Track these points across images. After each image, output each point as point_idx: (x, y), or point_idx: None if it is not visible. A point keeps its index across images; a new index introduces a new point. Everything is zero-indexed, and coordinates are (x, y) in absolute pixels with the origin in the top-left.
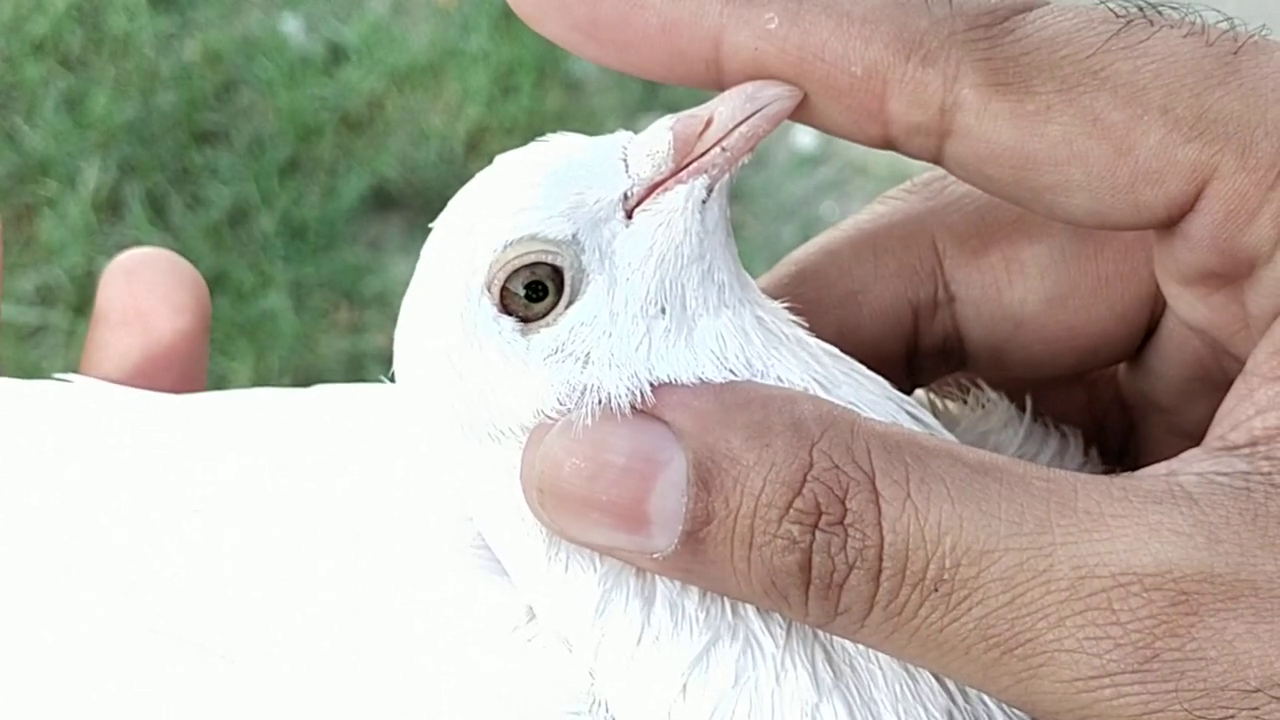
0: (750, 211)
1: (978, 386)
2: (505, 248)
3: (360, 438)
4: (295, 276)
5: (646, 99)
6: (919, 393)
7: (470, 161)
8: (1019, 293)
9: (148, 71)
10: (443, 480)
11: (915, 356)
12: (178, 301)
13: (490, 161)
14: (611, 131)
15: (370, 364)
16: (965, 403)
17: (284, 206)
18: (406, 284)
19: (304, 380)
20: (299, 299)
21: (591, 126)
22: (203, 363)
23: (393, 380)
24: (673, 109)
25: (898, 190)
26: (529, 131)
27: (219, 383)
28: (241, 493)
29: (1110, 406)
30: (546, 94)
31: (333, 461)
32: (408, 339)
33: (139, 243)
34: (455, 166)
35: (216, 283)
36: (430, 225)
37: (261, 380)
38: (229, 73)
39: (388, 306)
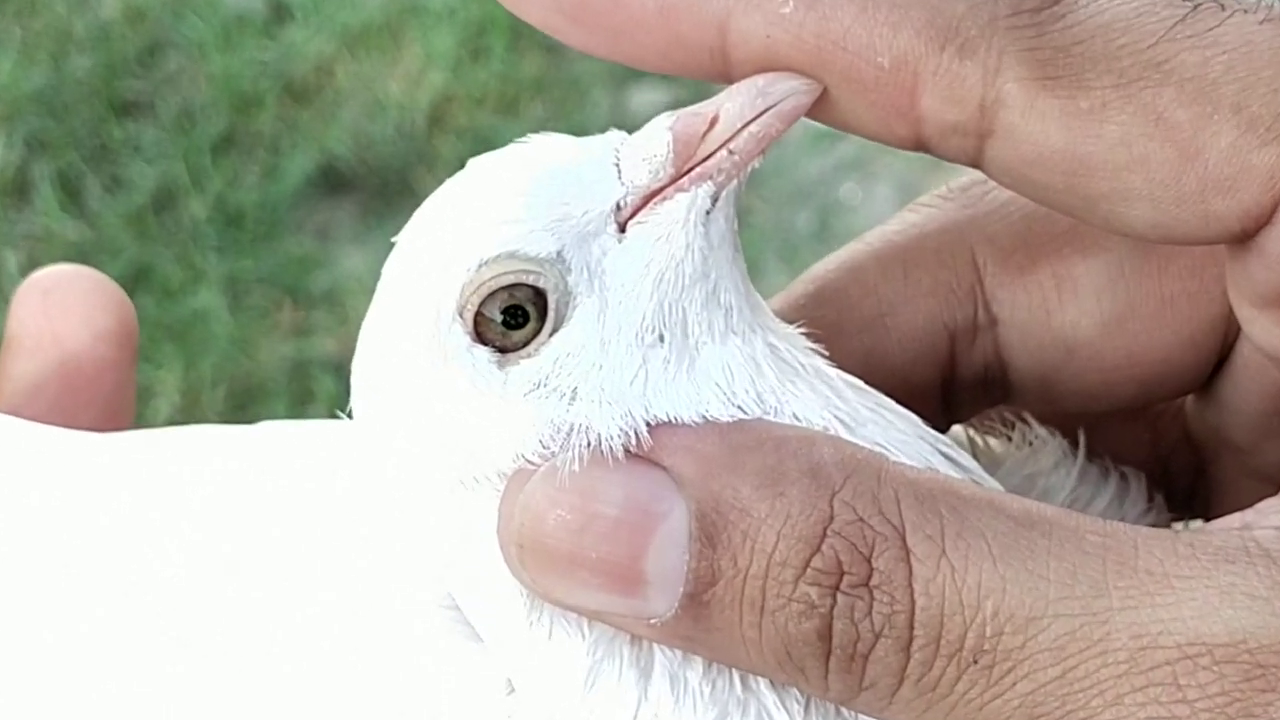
0: (759, 195)
1: (1024, 421)
2: (480, 266)
3: (315, 485)
4: (230, 270)
5: None
6: (956, 430)
7: (434, 137)
8: (1071, 315)
9: (59, 32)
10: (408, 534)
11: (952, 388)
12: (100, 326)
13: (458, 137)
14: (597, 102)
15: (318, 373)
16: (1010, 440)
17: (217, 189)
18: (359, 278)
19: (240, 391)
20: (235, 297)
21: (574, 96)
22: (129, 395)
23: (349, 416)
24: (669, 80)
25: (931, 197)
26: (501, 102)
27: (141, 394)
28: (182, 556)
29: (1176, 445)
30: (522, 58)
31: (285, 515)
32: (367, 372)
33: (48, 231)
34: (417, 142)
35: (139, 278)
36: (388, 210)
37: (191, 391)
38: (154, 33)
39: (338, 306)
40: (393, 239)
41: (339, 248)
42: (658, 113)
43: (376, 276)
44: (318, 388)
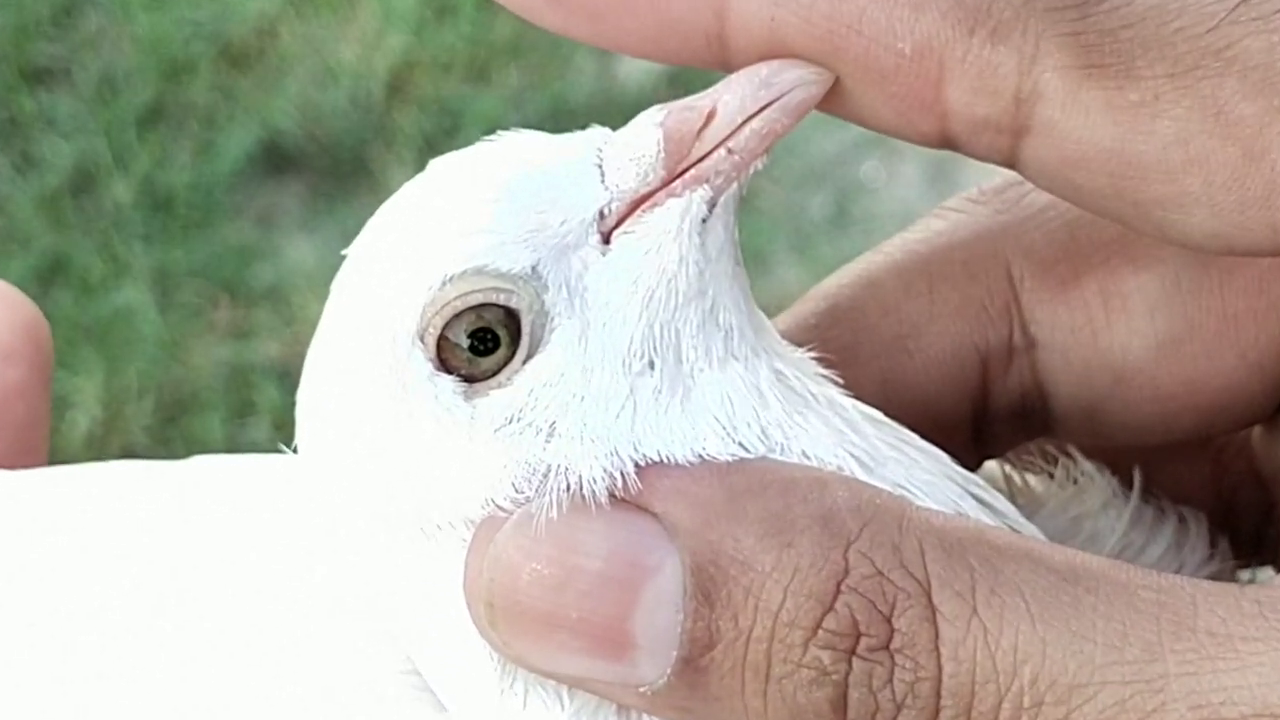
0: (767, 175)
1: (1068, 456)
2: (444, 284)
3: (255, 531)
4: (159, 263)
5: None
6: (990, 466)
7: (393, 109)
8: (1121, 336)
9: None
10: (361, 589)
11: (984, 420)
12: (10, 348)
13: (420, 110)
14: (580, 69)
15: (260, 380)
16: (1051, 477)
17: (144, 169)
18: (307, 272)
19: (170, 402)
20: (164, 293)
21: (554, 63)
22: (43, 425)
23: (293, 450)
24: None
25: (960, 200)
26: (471, 69)
27: (57, 405)
28: (107, 611)
29: (1242, 481)
30: (493, 18)
31: (223, 566)
32: (314, 402)
33: None
34: (373, 115)
35: (54, 271)
36: (339, 194)
37: (113, 402)
38: None
39: (282, 303)
40: (346, 229)
41: (284, 236)
42: (651, 82)
43: (326, 270)
44: (259, 398)
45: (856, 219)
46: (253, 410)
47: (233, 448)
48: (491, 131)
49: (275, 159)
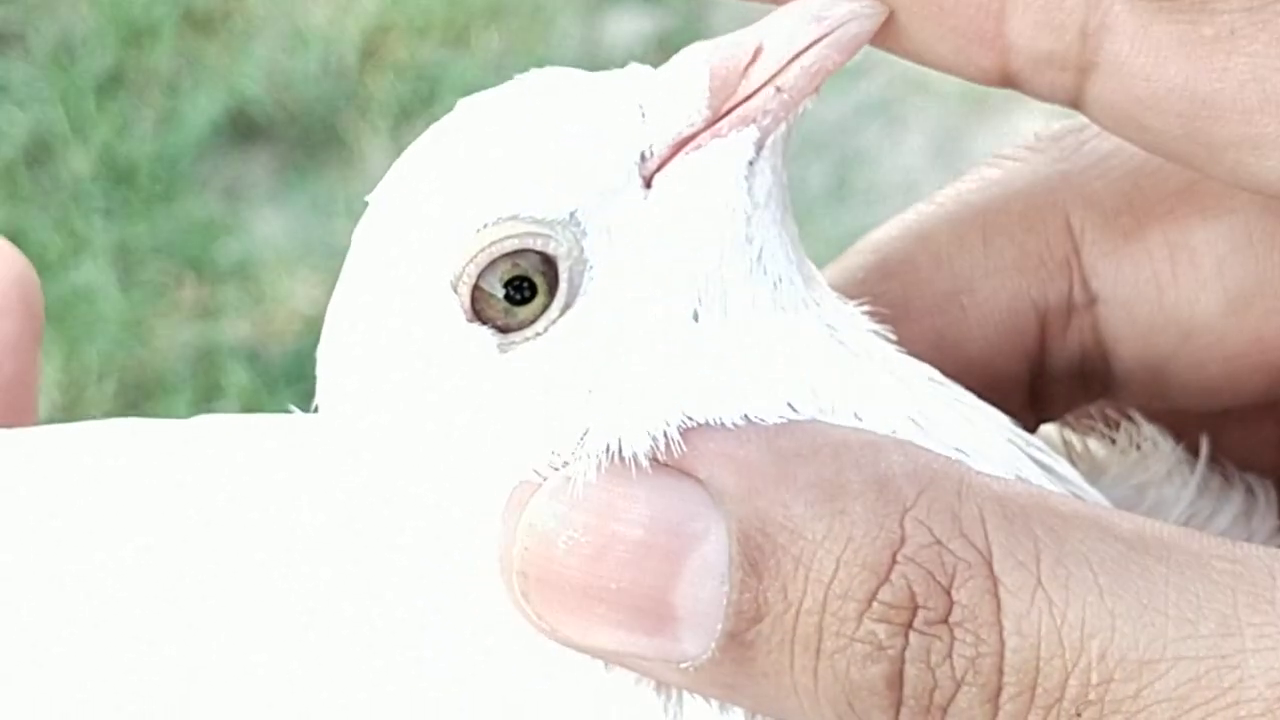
0: None
1: (1130, 420)
2: (478, 231)
3: (267, 492)
4: (120, 238)
5: None
6: (1047, 429)
7: (367, 74)
8: (1188, 291)
9: None
10: (388, 557)
11: (1041, 380)
12: (0, 303)
13: (396, 76)
14: (565, 31)
15: (227, 362)
16: (1113, 442)
17: (104, 139)
18: (277, 247)
19: (133, 385)
20: (126, 270)
21: (537, 24)
22: (31, 383)
23: (313, 411)
24: (651, 4)
25: (1018, 148)
26: (448, 32)
27: None
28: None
29: None
30: None
31: (234, 530)
32: (336, 358)
33: None
34: (346, 82)
35: None
36: (310, 164)
37: (73, 385)
38: None
39: (251, 280)
40: (317, 201)
41: (251, 210)
42: (639, 45)
43: (297, 245)
44: (227, 380)
45: (858, 190)
46: (220, 393)
47: None
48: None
49: (242, 128)
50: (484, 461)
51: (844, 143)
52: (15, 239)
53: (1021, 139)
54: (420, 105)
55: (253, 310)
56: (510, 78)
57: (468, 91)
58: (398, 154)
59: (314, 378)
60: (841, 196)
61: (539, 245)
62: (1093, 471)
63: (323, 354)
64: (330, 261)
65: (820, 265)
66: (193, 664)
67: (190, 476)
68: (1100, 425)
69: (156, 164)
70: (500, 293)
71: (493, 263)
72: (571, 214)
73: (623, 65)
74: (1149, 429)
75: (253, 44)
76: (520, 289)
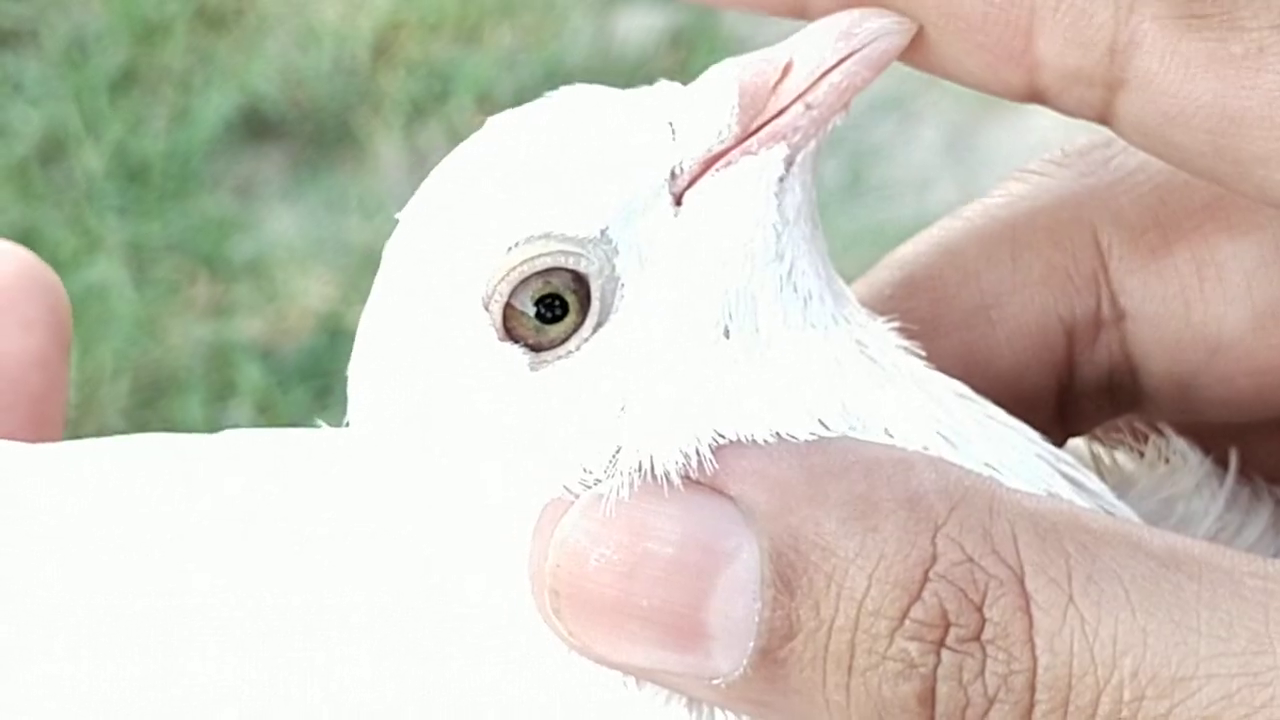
0: None
1: (1159, 433)
2: (510, 249)
3: (295, 506)
4: (133, 236)
5: None
6: (1076, 443)
7: (379, 72)
8: (1216, 306)
9: None
10: (419, 575)
11: (1069, 395)
12: (28, 315)
13: (408, 73)
14: (577, 28)
15: (241, 360)
16: (1141, 455)
17: (117, 137)
18: (290, 245)
19: (147, 383)
20: (139, 268)
21: (549, 21)
22: (60, 398)
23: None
24: (664, 1)
25: (1044, 163)
26: (461, 28)
27: None
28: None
29: None
30: None
31: (263, 546)
32: (368, 375)
33: None
34: (358, 79)
35: (23, 245)
36: (323, 162)
37: (87, 384)
38: None
39: (264, 278)
40: (330, 199)
41: (265, 207)
42: (651, 41)
43: (310, 243)
44: (240, 378)
45: (871, 186)
46: (234, 392)
47: (212, 431)
48: (483, 96)
49: (255, 126)
50: (516, 479)
51: (858, 138)
52: (28, 237)
53: (1036, 136)
54: (433, 102)
55: (266, 308)
56: (523, 75)
57: (480, 88)
58: (410, 151)
59: (327, 375)
60: (856, 192)
61: (570, 263)
62: (1121, 485)
63: (354, 371)
64: (343, 259)
65: (834, 259)
66: (225, 679)
67: (222, 491)
68: (1128, 438)
69: (169, 161)
70: (532, 311)
71: (524, 281)
72: (603, 232)
73: (634, 61)
74: (1178, 442)
75: (265, 41)
76: (552, 307)
